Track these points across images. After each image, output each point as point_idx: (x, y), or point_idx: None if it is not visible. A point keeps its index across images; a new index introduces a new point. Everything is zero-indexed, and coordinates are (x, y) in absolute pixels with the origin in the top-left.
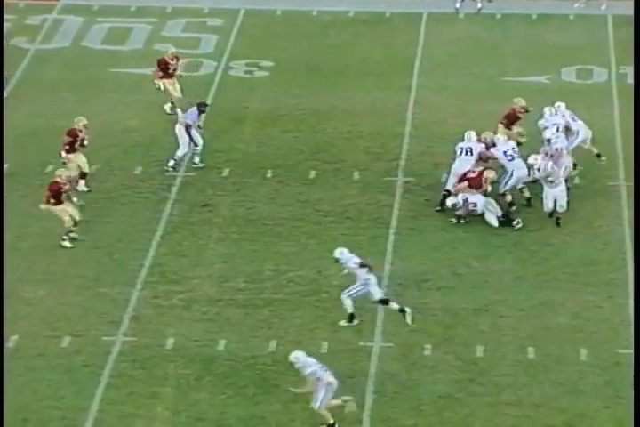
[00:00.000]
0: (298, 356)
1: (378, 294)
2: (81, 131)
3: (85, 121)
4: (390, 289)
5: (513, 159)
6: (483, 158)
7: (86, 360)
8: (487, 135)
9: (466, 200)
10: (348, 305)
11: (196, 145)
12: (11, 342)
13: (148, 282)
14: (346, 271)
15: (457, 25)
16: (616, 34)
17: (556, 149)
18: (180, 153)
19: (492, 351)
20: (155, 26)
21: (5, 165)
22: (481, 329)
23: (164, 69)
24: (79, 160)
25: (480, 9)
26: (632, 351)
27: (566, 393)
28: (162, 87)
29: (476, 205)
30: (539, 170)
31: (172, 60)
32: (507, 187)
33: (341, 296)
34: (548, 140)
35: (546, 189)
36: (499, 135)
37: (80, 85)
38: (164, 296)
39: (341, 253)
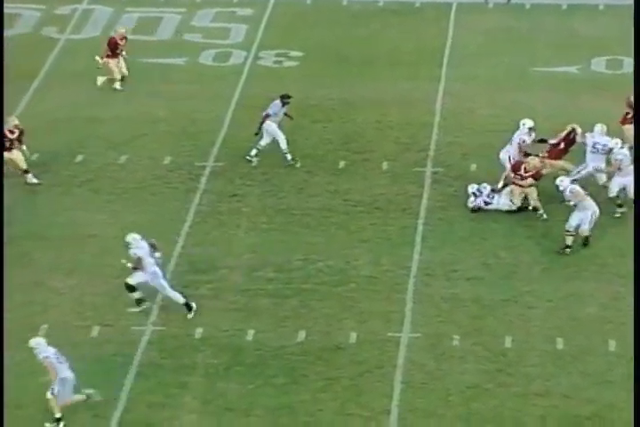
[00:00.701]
0: (39, 342)
1: (166, 287)
2: (12, 132)
3: (17, 121)
4: (419, 279)
5: (597, 152)
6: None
7: (115, 350)
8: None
9: (484, 192)
10: (177, 298)
11: (258, 136)
12: (40, 330)
13: (177, 272)
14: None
15: (486, 15)
16: None
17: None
18: (282, 145)
19: (520, 342)
20: (184, 16)
21: (33, 156)
22: (509, 320)
23: (113, 50)
24: (16, 158)
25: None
26: None
27: (595, 384)
28: (101, 65)
29: (493, 197)
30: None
31: (122, 40)
32: (577, 176)
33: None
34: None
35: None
36: (600, 126)
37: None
38: (193, 286)
39: (134, 239)
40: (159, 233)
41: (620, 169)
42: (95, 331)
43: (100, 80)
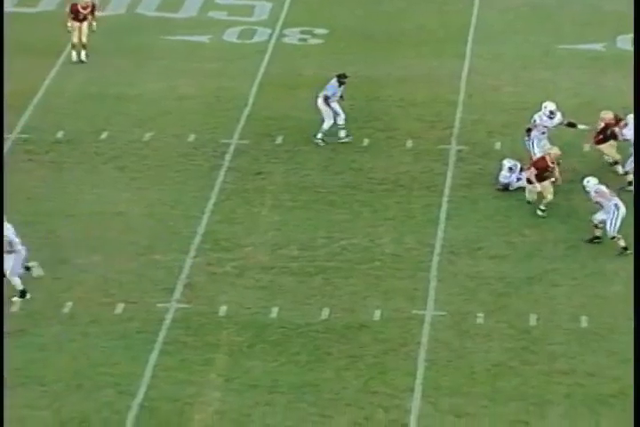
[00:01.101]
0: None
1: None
2: (85, 7)
3: None
4: (443, 257)
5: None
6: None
7: (140, 327)
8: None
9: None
10: (17, 283)
11: (337, 115)
12: (65, 307)
13: (202, 249)
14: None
15: None
16: None
17: None
18: (325, 126)
19: (545, 320)
20: None
21: (60, 132)
22: (534, 298)
23: (75, 17)
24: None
25: None
26: None
27: (619, 362)
28: (70, 29)
29: (520, 180)
30: None
31: (85, 9)
32: (627, 168)
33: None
34: None
35: None
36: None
37: (134, 52)
38: (218, 263)
39: (7, 228)
40: (184, 210)
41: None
42: (120, 308)
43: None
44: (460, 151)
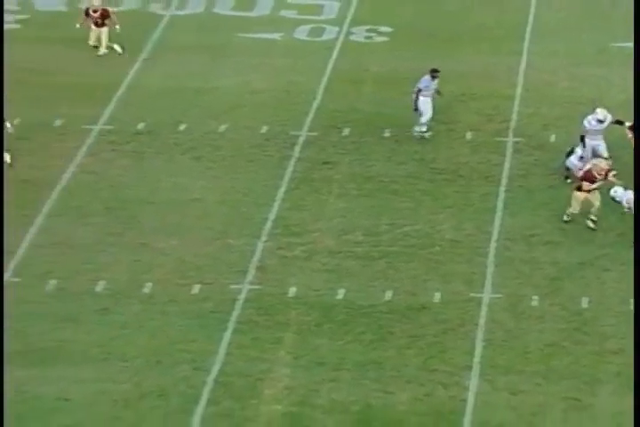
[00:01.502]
0: None
1: None
2: (95, 11)
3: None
4: (500, 243)
5: None
6: None
7: (215, 307)
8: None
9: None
10: None
11: (416, 110)
12: (146, 288)
13: (273, 234)
14: None
15: None
16: None
17: None
18: (424, 119)
19: (596, 303)
20: None
21: (141, 124)
22: (585, 282)
23: (94, 21)
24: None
25: None
26: None
27: None
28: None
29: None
30: None
31: (95, 12)
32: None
33: None
34: None
35: None
36: None
37: (210, 49)
38: (287, 248)
39: None
40: (255, 198)
41: None
42: (196, 289)
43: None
44: (516, 143)
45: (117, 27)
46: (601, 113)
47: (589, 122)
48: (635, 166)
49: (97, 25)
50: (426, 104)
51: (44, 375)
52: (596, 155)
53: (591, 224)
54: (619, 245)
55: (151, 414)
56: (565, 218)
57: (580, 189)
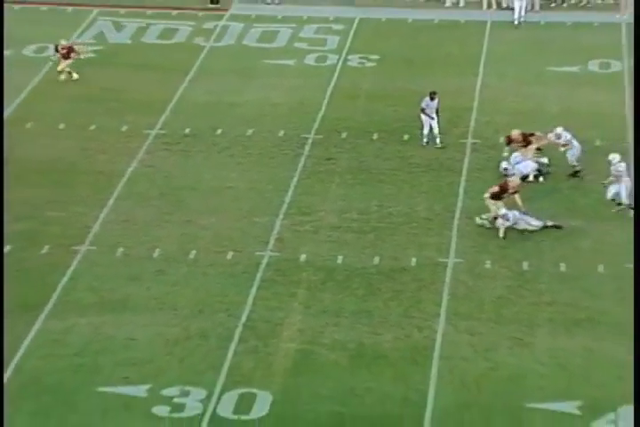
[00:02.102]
0: None
1: None
2: (64, 48)
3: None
4: (462, 221)
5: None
6: None
7: (244, 269)
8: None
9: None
10: None
11: (424, 127)
12: (191, 254)
13: (288, 214)
14: None
15: (512, 29)
16: (629, 36)
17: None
18: (425, 131)
19: (534, 266)
20: (294, 29)
21: (187, 129)
22: (527, 250)
23: (61, 54)
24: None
25: (519, 23)
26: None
27: (590, 296)
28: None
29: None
30: None
31: (63, 49)
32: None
33: None
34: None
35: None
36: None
37: (241, 72)
38: (299, 224)
39: None
40: (275, 186)
41: (617, 178)
42: (230, 255)
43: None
44: (474, 144)
45: (82, 57)
46: (559, 128)
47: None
48: (635, 166)
49: (64, 58)
50: (426, 121)
51: (114, 321)
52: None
53: (479, 221)
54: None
55: (195, 351)
56: (479, 221)
57: (494, 197)
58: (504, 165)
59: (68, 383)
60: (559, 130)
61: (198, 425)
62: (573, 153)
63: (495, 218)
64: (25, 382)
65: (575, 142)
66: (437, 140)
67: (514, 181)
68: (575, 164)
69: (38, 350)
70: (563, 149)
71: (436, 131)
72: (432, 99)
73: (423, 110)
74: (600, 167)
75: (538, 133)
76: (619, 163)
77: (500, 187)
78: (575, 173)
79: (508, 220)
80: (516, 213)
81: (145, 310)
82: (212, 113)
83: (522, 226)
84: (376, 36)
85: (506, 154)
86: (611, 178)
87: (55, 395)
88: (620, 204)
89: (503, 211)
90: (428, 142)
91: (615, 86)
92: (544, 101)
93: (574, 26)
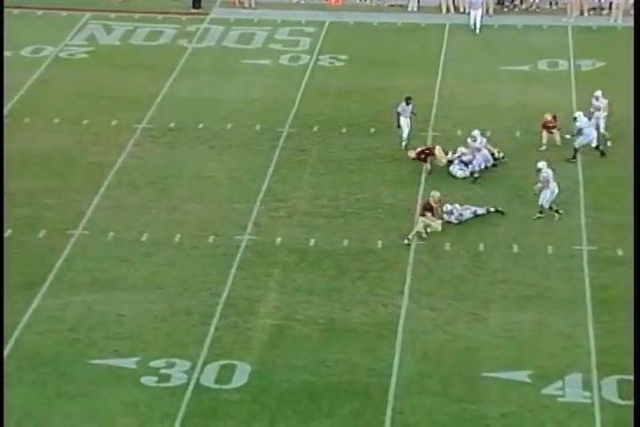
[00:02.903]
0: None
1: None
2: None
3: None
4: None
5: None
6: None
7: (225, 251)
8: None
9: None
10: None
11: (399, 128)
12: (176, 238)
13: (264, 200)
14: None
15: (469, 32)
16: (575, 38)
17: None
18: (404, 135)
19: (489, 247)
20: (269, 32)
21: (172, 124)
22: (483, 233)
23: None
24: None
25: (475, 29)
26: (584, 248)
27: (540, 275)
28: None
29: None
30: None
31: None
32: None
33: None
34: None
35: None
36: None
37: (221, 71)
38: (275, 210)
39: None
40: (252, 175)
41: (544, 183)
42: (211, 238)
43: None
44: (434, 136)
45: None
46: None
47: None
48: (635, 166)
49: None
50: (404, 124)
51: (106, 299)
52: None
53: (406, 241)
54: (507, 208)
55: (180, 326)
56: (406, 241)
57: (423, 214)
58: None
59: (64, 356)
60: (475, 132)
61: (183, 394)
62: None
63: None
64: (24, 355)
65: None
66: (403, 144)
67: (434, 197)
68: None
69: (36, 326)
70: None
71: (407, 132)
72: (407, 104)
73: (399, 115)
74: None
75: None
76: (546, 169)
77: (425, 205)
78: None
79: (452, 213)
80: (457, 205)
81: (134, 288)
82: (194, 108)
83: (467, 215)
84: (344, 38)
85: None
86: (539, 185)
87: (52, 367)
88: (541, 211)
89: (444, 215)
90: (406, 145)
91: (562, 83)
92: (498, 98)
93: (525, 28)
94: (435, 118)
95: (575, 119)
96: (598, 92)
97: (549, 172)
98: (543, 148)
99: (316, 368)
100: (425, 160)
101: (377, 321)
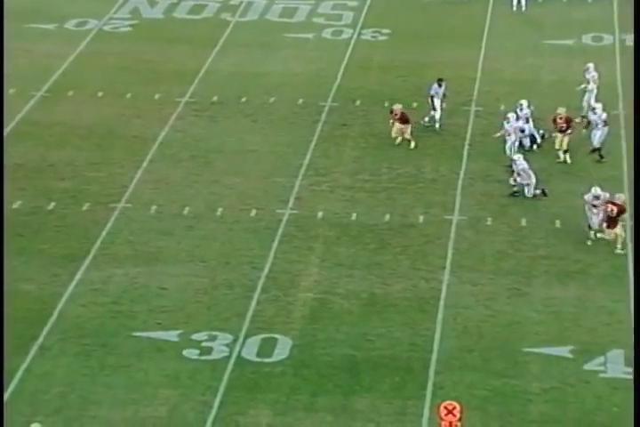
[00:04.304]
0: None
1: None
2: None
3: None
4: (465, 181)
5: None
6: None
7: (266, 225)
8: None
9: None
10: None
11: (434, 110)
12: (218, 211)
13: (306, 175)
14: None
15: (512, 6)
16: (620, 11)
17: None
18: (437, 116)
19: (532, 222)
20: (313, 6)
21: (215, 97)
22: (525, 207)
23: None
24: None
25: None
26: (627, 224)
27: (583, 251)
28: None
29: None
30: None
31: None
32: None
33: None
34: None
35: None
36: None
37: (264, 45)
38: (316, 184)
39: None
40: (294, 149)
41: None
42: (253, 212)
43: None
44: (477, 111)
45: None
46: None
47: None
48: (635, 166)
49: None
50: (438, 105)
51: (148, 272)
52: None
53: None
54: (550, 185)
55: (222, 299)
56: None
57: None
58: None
59: (107, 328)
60: (523, 101)
61: (224, 367)
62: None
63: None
64: (68, 327)
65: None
66: (426, 120)
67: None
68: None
69: (80, 298)
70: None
71: (439, 114)
72: (439, 85)
73: (432, 97)
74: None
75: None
76: (521, 161)
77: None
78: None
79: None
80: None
81: (176, 261)
82: (237, 82)
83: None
84: (388, 12)
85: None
86: (515, 177)
87: (95, 339)
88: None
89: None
90: (430, 124)
91: (607, 58)
92: (541, 72)
93: (569, 2)
94: (478, 93)
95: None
96: (589, 64)
97: (524, 164)
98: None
99: (356, 342)
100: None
101: (418, 296)
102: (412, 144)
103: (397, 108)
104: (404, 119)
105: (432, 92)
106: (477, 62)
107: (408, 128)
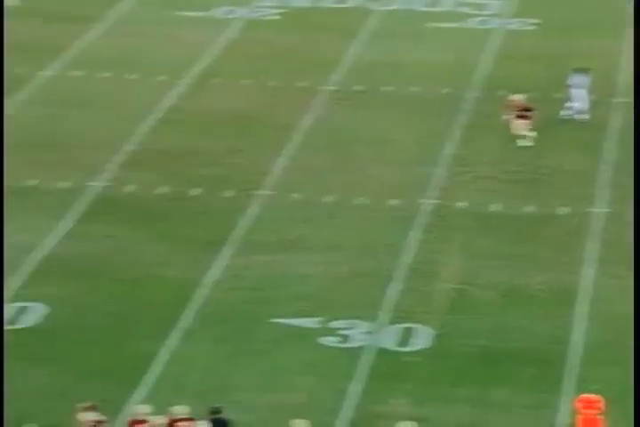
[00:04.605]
0: None
1: None
2: None
3: None
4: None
5: None
6: None
7: (407, 214)
8: None
9: None
10: None
11: (576, 101)
12: (358, 200)
13: (448, 165)
14: None
15: None
16: None
17: None
18: (580, 107)
19: None
20: None
21: (358, 86)
22: None
23: None
24: None
25: None
26: None
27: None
28: None
29: None
30: None
31: None
32: None
33: None
34: None
35: None
36: None
37: (409, 34)
38: (459, 174)
39: None
40: (438, 139)
41: None
42: (393, 202)
43: None
44: (619, 103)
45: None
46: None
47: None
48: (635, 166)
49: None
50: (578, 96)
51: (288, 259)
52: None
53: None
54: None
55: (361, 288)
56: None
57: None
58: None
59: (247, 314)
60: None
61: (363, 355)
62: None
63: None
64: (208, 313)
65: None
66: (585, 116)
67: None
68: None
69: (220, 284)
70: None
71: (585, 106)
72: (584, 76)
73: (569, 87)
74: None
75: None
76: None
77: None
78: None
79: None
80: None
81: (316, 249)
82: (381, 72)
83: None
84: (535, 2)
85: None
86: None
87: (235, 324)
88: None
89: None
90: (571, 115)
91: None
92: None
93: None
94: (620, 84)
95: None
96: None
97: None
98: None
99: (495, 334)
100: None
101: (559, 288)
102: (530, 140)
103: (517, 98)
104: (525, 112)
105: (570, 83)
106: (621, 53)
107: (527, 124)
